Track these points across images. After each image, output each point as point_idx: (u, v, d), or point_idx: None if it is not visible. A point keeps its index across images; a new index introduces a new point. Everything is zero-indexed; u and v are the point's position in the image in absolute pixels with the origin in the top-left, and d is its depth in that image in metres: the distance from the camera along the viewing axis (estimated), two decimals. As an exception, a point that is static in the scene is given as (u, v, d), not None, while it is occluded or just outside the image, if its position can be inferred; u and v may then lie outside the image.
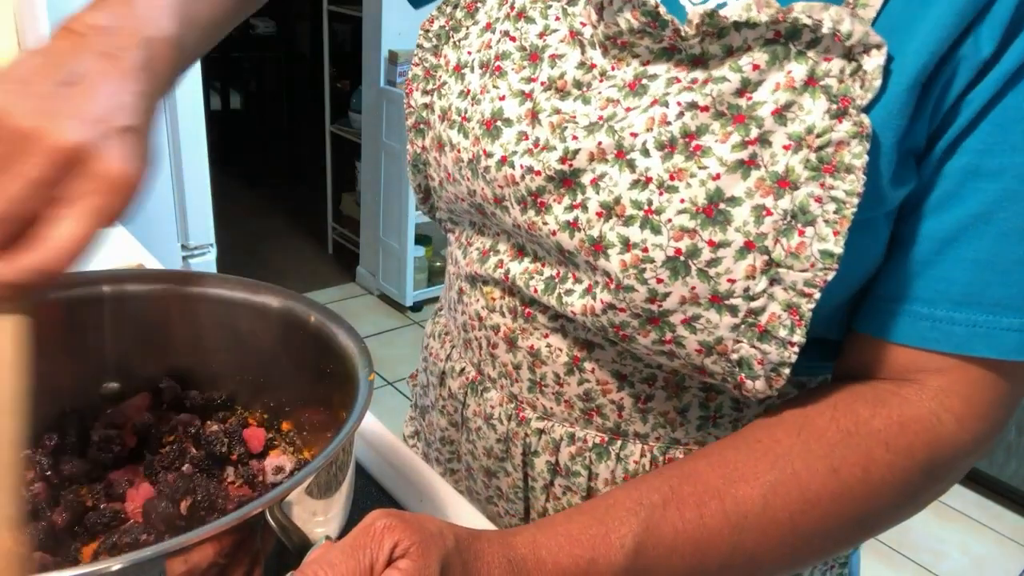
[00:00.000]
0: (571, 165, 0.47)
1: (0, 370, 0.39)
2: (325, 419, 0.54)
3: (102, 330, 0.57)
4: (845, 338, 0.51)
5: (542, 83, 0.50)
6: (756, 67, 0.42)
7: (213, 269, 1.95)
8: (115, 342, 0.57)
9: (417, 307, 3.16)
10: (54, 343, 0.55)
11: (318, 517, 0.42)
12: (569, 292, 0.51)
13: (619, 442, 0.57)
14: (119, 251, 1.02)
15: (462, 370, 0.64)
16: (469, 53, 0.55)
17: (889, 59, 0.41)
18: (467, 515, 0.61)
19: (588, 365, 0.55)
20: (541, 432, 0.59)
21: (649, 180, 0.44)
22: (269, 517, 0.38)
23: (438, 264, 3.17)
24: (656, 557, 0.45)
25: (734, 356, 0.46)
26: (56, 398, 0.56)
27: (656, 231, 0.44)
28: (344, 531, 0.45)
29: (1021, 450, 2.18)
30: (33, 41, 0.80)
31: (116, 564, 0.32)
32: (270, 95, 4.61)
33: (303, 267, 3.52)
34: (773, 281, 0.43)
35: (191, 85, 1.73)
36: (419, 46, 0.60)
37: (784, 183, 0.42)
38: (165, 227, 1.84)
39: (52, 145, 0.37)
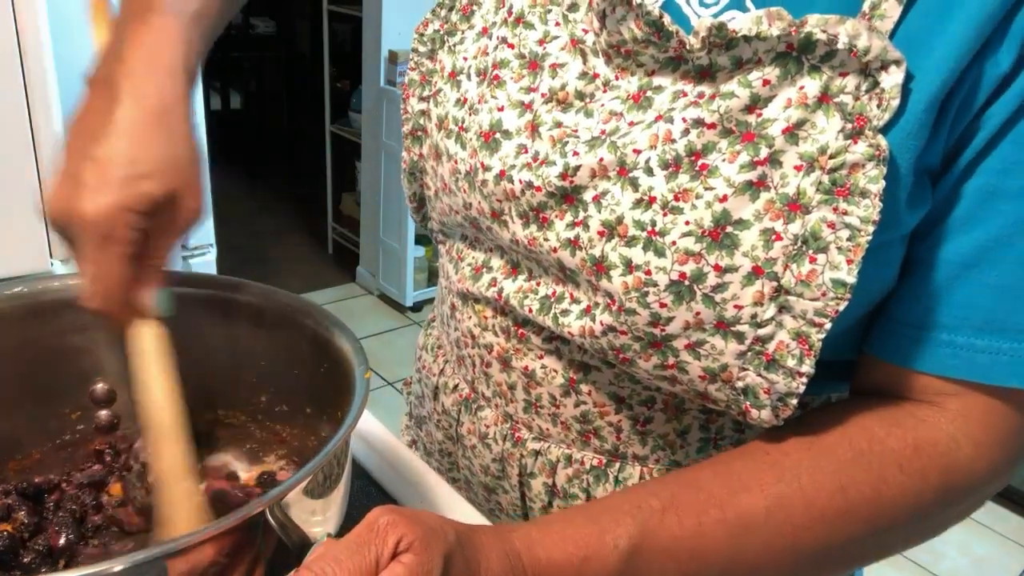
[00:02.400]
0: (572, 181, 0.45)
1: (151, 363, 0.49)
2: (321, 419, 0.54)
3: (99, 331, 0.57)
4: (860, 360, 0.50)
5: (543, 94, 0.48)
6: (766, 82, 0.40)
7: (213, 269, 1.95)
8: (110, 343, 0.57)
9: (417, 307, 3.15)
10: (52, 343, 0.55)
11: (316, 516, 0.42)
12: (566, 312, 0.49)
13: (617, 464, 0.55)
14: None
15: (455, 387, 0.63)
16: (465, 59, 0.53)
17: (908, 77, 0.38)
18: (468, 516, 0.60)
19: (584, 387, 0.53)
20: (537, 453, 0.58)
21: (653, 200, 0.42)
22: (269, 516, 0.38)
23: (438, 264, 3.16)
24: (651, 561, 0.44)
25: (739, 384, 0.44)
26: (49, 401, 0.56)
27: (660, 253, 0.42)
28: (342, 529, 0.45)
29: (1021, 450, 2.18)
30: (32, 37, 0.80)
31: (117, 565, 0.32)
32: (270, 95, 4.60)
33: (303, 267, 3.52)
34: (782, 309, 0.41)
35: (191, 85, 1.73)
36: (414, 50, 0.59)
37: (795, 206, 0.40)
38: (165, 227, 1.83)
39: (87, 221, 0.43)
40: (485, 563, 0.41)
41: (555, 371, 0.54)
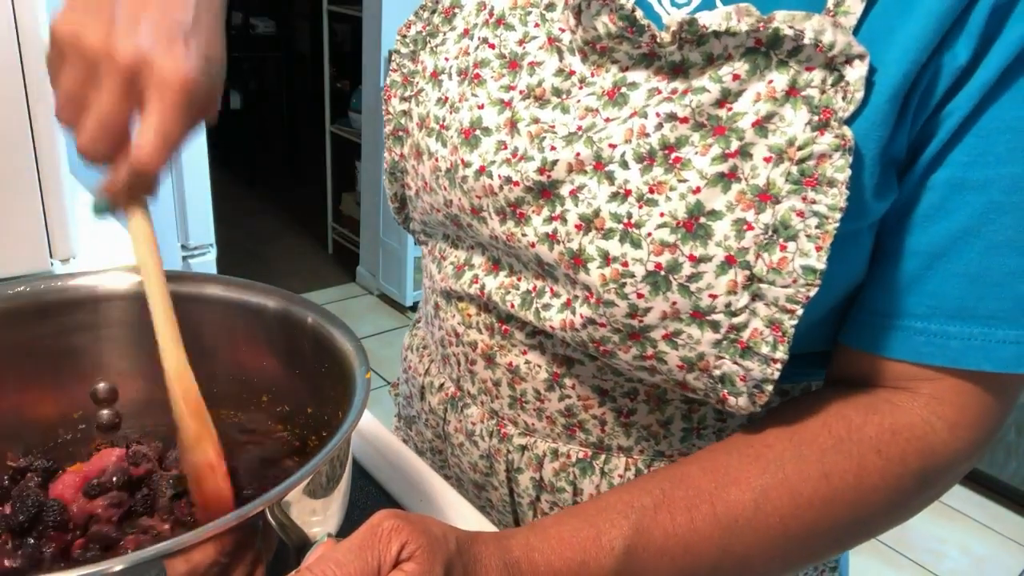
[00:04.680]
0: (549, 176, 0.46)
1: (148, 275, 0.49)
2: (322, 418, 0.54)
3: (98, 330, 0.57)
4: (834, 350, 0.51)
5: (521, 91, 0.49)
6: (736, 77, 0.41)
7: (213, 269, 1.95)
8: (111, 342, 0.57)
9: (417, 307, 3.15)
10: (53, 343, 0.55)
11: (316, 516, 0.42)
12: (547, 307, 0.50)
13: (603, 456, 0.56)
14: (119, 251, 1.02)
15: (441, 385, 0.64)
16: (446, 59, 0.54)
17: (871, 70, 0.40)
18: (467, 515, 0.60)
19: (568, 381, 0.54)
20: (524, 448, 0.58)
21: (628, 193, 0.43)
22: (269, 516, 0.38)
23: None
24: (646, 560, 0.45)
25: (716, 372, 0.45)
26: (50, 400, 0.56)
27: (636, 245, 0.43)
28: (341, 529, 0.45)
29: (1021, 450, 2.18)
30: (31, 35, 0.80)
31: (116, 564, 0.32)
32: (270, 95, 4.60)
33: (303, 267, 3.52)
34: (755, 297, 0.42)
35: (191, 85, 1.73)
36: (396, 51, 0.60)
37: (765, 197, 0.41)
38: (165, 227, 1.84)
39: (119, 61, 0.41)
40: (484, 572, 0.41)
41: (539, 366, 0.55)
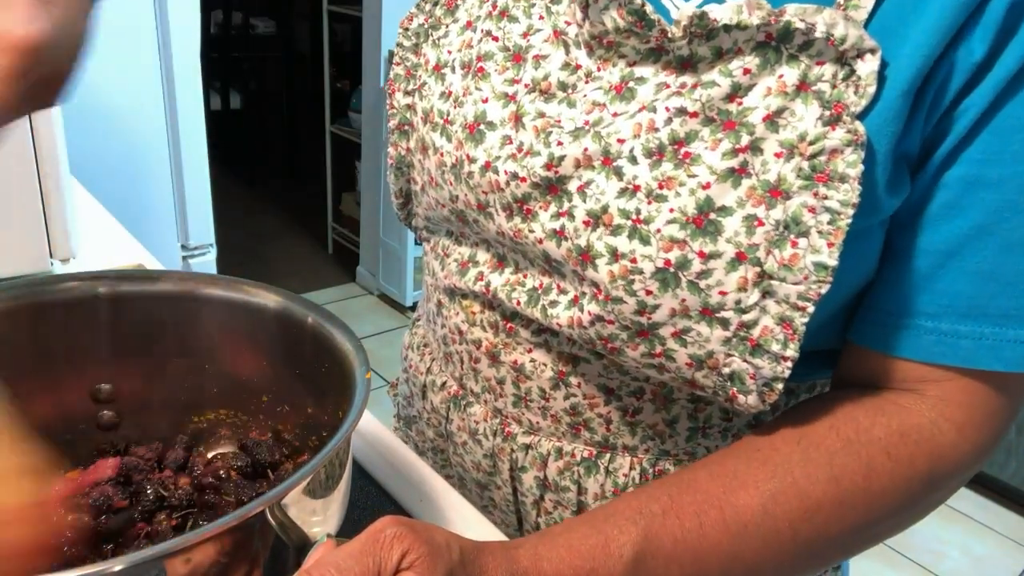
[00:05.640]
0: (557, 172, 0.46)
1: None
2: (322, 418, 0.54)
3: (99, 330, 0.57)
4: (843, 349, 0.50)
5: (525, 85, 0.48)
6: (747, 71, 0.40)
7: (213, 269, 1.95)
8: (111, 342, 0.57)
9: (417, 307, 3.15)
10: (53, 343, 0.55)
11: (316, 516, 0.42)
12: (554, 304, 0.50)
13: (607, 455, 0.56)
14: (119, 251, 1.02)
15: (443, 384, 0.63)
16: (449, 52, 0.54)
17: (883, 64, 0.39)
18: (468, 515, 0.60)
19: (574, 379, 0.54)
20: (528, 447, 0.58)
21: (637, 188, 0.43)
22: (269, 516, 0.38)
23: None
24: (655, 566, 0.44)
25: (725, 370, 0.45)
26: (50, 400, 0.56)
27: (645, 241, 0.43)
28: (341, 529, 0.45)
29: (1021, 450, 2.18)
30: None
31: (116, 564, 0.32)
32: (270, 95, 4.60)
33: (303, 267, 3.52)
34: (766, 294, 0.42)
35: (191, 85, 1.73)
36: (399, 45, 0.59)
37: (776, 192, 0.40)
38: (165, 227, 1.84)
39: None
40: None
41: (544, 364, 0.54)
